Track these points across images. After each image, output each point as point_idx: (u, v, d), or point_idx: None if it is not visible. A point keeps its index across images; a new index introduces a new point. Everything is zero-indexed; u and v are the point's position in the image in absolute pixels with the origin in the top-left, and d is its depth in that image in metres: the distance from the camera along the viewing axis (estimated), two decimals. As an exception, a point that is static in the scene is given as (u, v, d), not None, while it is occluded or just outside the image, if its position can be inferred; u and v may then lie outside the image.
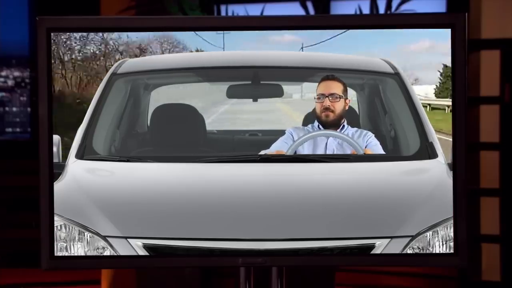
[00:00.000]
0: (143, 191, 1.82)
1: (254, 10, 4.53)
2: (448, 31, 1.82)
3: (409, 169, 1.88)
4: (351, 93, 1.95)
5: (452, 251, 1.83)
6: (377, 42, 1.84)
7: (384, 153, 1.87)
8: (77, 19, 1.83)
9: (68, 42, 1.83)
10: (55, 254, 1.82)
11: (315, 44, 1.84)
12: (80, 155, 1.88)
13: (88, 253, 1.82)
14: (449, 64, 1.82)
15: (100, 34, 1.84)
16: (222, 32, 1.83)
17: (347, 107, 1.92)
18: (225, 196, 1.81)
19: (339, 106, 1.90)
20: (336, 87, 1.89)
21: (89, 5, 4.61)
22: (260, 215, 1.80)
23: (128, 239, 1.81)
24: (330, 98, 1.89)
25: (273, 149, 1.87)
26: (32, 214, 2.28)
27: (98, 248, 1.82)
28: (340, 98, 1.89)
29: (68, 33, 1.83)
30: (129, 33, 1.84)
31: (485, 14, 4.20)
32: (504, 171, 4.09)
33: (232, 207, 1.81)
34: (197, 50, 1.86)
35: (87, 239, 1.82)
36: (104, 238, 1.81)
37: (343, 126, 1.91)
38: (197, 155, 1.88)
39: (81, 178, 1.86)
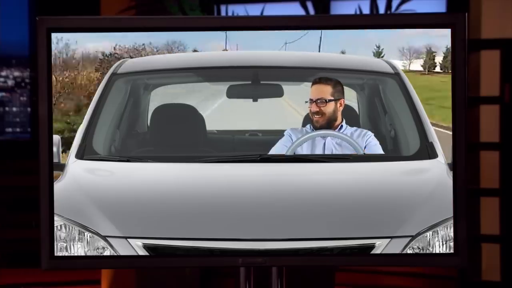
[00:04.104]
0: (143, 191, 1.82)
1: (254, 10, 4.53)
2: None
3: (409, 169, 1.88)
4: (351, 93, 1.95)
5: (452, 251, 1.82)
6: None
7: (383, 153, 1.87)
8: (77, 19, 1.83)
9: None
10: (55, 254, 1.82)
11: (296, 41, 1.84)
12: (80, 155, 1.88)
13: (88, 253, 1.82)
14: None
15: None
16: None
17: (341, 108, 1.90)
18: (225, 196, 1.81)
19: (327, 110, 1.89)
20: (323, 92, 1.89)
21: (89, 5, 4.61)
22: (260, 215, 1.80)
23: (128, 239, 1.81)
24: (317, 102, 1.89)
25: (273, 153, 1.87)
26: (32, 214, 2.28)
27: (98, 248, 1.82)
28: (326, 102, 1.89)
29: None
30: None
31: (485, 14, 4.20)
32: (504, 171, 4.09)
33: (232, 207, 1.81)
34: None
35: (87, 239, 1.82)
36: (104, 238, 1.81)
37: (341, 126, 1.90)
38: (197, 155, 1.88)
39: (81, 178, 1.86)
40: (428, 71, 1.87)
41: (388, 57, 1.88)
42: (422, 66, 1.87)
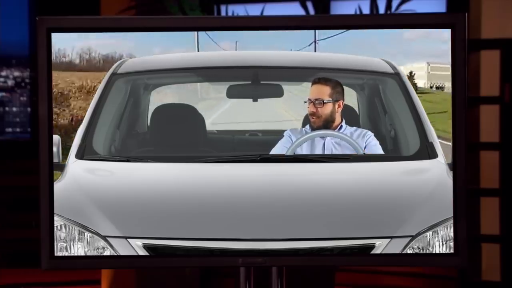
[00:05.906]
0: (143, 191, 1.82)
1: (254, 10, 4.53)
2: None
3: (409, 169, 1.88)
4: (350, 93, 1.95)
5: (452, 251, 1.83)
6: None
7: (383, 153, 1.87)
8: (77, 19, 1.83)
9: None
10: (55, 254, 1.82)
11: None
12: (80, 155, 1.88)
13: (88, 253, 1.82)
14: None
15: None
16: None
17: (339, 110, 1.90)
18: (225, 196, 1.81)
19: (324, 111, 1.89)
20: (322, 92, 1.88)
21: (89, 5, 4.61)
22: (260, 215, 1.80)
23: (128, 239, 1.81)
24: (315, 103, 1.89)
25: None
26: (32, 214, 2.28)
27: (98, 248, 1.82)
28: (324, 103, 1.89)
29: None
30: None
31: (485, 14, 4.21)
32: (504, 171, 4.09)
33: (232, 207, 1.81)
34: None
35: (87, 239, 1.82)
36: (104, 238, 1.81)
37: (341, 126, 1.90)
38: (197, 155, 1.88)
39: (81, 178, 1.86)
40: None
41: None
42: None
